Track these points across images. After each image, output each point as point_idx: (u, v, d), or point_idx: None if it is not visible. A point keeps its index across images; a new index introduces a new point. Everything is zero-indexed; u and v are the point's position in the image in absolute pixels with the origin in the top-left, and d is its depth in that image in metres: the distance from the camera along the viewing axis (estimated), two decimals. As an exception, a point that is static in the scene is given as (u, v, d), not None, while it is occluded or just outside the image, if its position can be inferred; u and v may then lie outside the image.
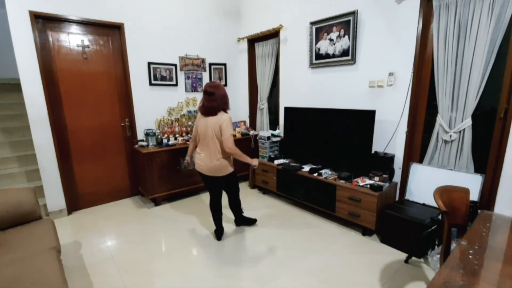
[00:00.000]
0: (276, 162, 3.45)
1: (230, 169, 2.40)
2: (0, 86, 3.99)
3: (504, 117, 2.12)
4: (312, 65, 3.33)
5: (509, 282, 1.04)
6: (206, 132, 2.29)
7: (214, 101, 2.24)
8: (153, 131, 3.39)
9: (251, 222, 2.84)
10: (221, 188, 2.55)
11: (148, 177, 3.20)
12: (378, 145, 2.79)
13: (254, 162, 2.42)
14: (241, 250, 2.40)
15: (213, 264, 2.21)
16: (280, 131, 3.85)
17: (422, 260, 2.20)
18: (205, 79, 4.09)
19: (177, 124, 3.76)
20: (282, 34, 3.65)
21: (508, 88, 2.09)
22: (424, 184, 2.50)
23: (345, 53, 2.95)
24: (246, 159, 2.35)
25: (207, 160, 2.34)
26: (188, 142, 3.52)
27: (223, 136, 2.21)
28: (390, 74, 2.63)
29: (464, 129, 2.29)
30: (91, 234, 2.73)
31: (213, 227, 2.69)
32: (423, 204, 2.47)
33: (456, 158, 2.38)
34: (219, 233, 2.58)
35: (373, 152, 2.71)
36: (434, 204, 2.30)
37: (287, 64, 3.68)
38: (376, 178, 2.61)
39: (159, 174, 3.27)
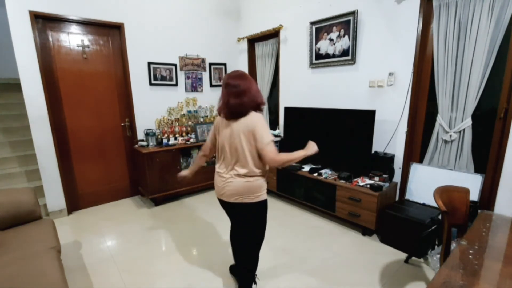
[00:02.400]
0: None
1: (259, 197, 1.66)
2: (0, 86, 3.99)
3: (504, 117, 2.12)
4: (312, 65, 3.33)
5: (509, 282, 1.04)
6: (230, 141, 1.59)
7: (242, 97, 1.55)
8: (153, 131, 3.39)
9: None
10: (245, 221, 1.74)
11: (148, 177, 3.20)
12: (378, 145, 2.79)
13: (310, 149, 1.69)
14: (241, 250, 2.40)
15: (213, 264, 2.21)
16: (280, 131, 3.85)
17: (422, 260, 2.20)
18: (205, 79, 4.09)
19: (177, 124, 3.76)
20: (282, 34, 3.65)
21: (508, 88, 2.09)
22: (424, 184, 2.50)
23: (345, 53, 2.95)
24: (300, 153, 1.61)
25: (230, 179, 1.62)
26: (188, 143, 3.53)
27: (260, 144, 1.51)
28: (390, 74, 2.63)
29: (464, 129, 2.29)
30: (91, 234, 2.73)
31: (212, 227, 2.69)
32: (423, 204, 2.47)
33: (456, 158, 2.38)
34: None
35: (373, 152, 2.71)
36: (434, 204, 2.29)
37: (287, 64, 3.68)
38: (376, 178, 2.61)
39: (159, 174, 3.27)
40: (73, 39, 3.03)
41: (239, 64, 4.44)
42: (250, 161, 1.58)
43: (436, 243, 2.20)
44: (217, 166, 1.74)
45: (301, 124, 3.32)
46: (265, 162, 1.58)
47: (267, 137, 1.51)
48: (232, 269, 2.09)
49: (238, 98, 1.55)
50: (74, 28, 3.02)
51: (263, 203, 1.70)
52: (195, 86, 3.99)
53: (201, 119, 3.94)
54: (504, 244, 1.33)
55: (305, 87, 3.48)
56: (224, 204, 1.73)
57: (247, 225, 1.74)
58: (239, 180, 1.60)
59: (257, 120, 1.54)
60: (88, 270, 2.16)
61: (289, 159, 1.56)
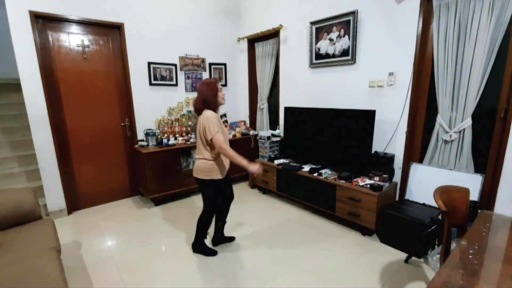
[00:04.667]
0: (276, 162, 3.45)
1: (208, 176, 2.10)
2: (0, 86, 3.99)
3: (504, 117, 2.12)
4: (312, 65, 3.33)
5: (509, 282, 1.04)
6: (198, 133, 2.14)
7: (196, 99, 2.14)
8: (153, 131, 3.39)
9: (208, 251, 2.35)
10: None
11: (148, 177, 3.20)
12: (378, 145, 2.79)
13: (253, 167, 2.03)
14: (241, 250, 2.40)
15: (213, 264, 2.21)
16: (280, 131, 3.85)
17: (422, 260, 2.20)
18: (205, 79, 4.09)
19: (177, 124, 3.76)
20: (282, 34, 3.65)
21: (508, 88, 2.09)
22: (424, 184, 2.50)
23: (345, 53, 2.95)
24: (241, 161, 2.00)
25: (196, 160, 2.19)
26: (188, 143, 3.53)
27: (210, 135, 1.99)
28: (390, 74, 2.63)
29: (464, 129, 2.29)
30: (91, 234, 2.73)
31: (211, 227, 2.68)
32: (423, 204, 2.47)
33: (456, 158, 2.38)
34: (215, 240, 2.47)
35: (373, 152, 2.71)
36: (434, 204, 2.30)
37: (287, 64, 3.68)
38: (376, 178, 2.61)
39: (159, 174, 3.27)
40: (73, 39, 3.03)
41: (239, 64, 4.44)
42: (202, 148, 2.10)
43: (436, 243, 2.20)
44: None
45: (301, 124, 3.32)
46: (216, 148, 2.04)
47: (213, 129, 1.98)
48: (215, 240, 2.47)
49: (196, 98, 2.14)
50: (74, 28, 3.02)
51: (213, 182, 2.13)
52: (195, 86, 3.99)
53: (201, 119, 3.94)
54: (504, 244, 1.33)
55: (305, 87, 3.48)
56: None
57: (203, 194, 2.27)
58: (198, 162, 2.15)
59: (207, 116, 2.02)
60: (88, 270, 2.16)
61: (232, 154, 2.01)
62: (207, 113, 2.04)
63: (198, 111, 2.13)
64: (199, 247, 2.36)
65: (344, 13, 2.87)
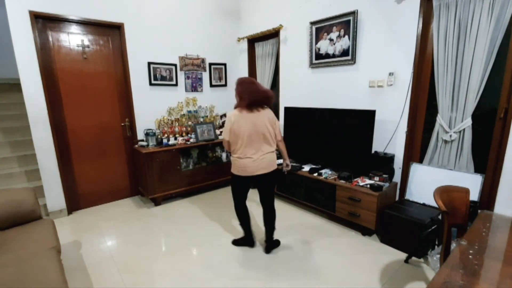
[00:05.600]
0: (276, 162, 3.44)
1: (276, 166, 2.30)
2: (0, 86, 3.99)
3: (504, 117, 2.12)
4: (312, 65, 3.33)
5: (509, 282, 1.04)
6: (256, 129, 2.10)
7: (261, 95, 2.16)
8: (153, 131, 3.39)
9: (277, 244, 2.45)
10: (268, 186, 2.30)
11: (148, 177, 3.20)
12: (378, 145, 2.79)
13: (289, 163, 2.46)
14: (241, 250, 2.40)
15: (212, 264, 2.21)
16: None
17: (422, 260, 2.19)
18: (205, 79, 4.09)
19: (177, 124, 3.76)
20: (282, 34, 3.65)
21: (508, 88, 2.09)
22: (424, 184, 2.50)
23: (345, 53, 2.95)
24: (287, 156, 2.43)
25: (260, 159, 2.14)
26: (188, 143, 3.53)
27: (278, 130, 2.24)
28: (390, 74, 2.63)
29: (464, 129, 2.29)
30: (91, 234, 2.73)
31: (212, 227, 2.68)
32: (423, 204, 2.47)
33: (456, 158, 2.38)
34: (252, 239, 2.44)
35: (373, 152, 2.71)
36: (434, 204, 2.30)
37: (287, 64, 3.68)
38: (376, 178, 2.61)
39: (159, 174, 3.27)
40: (73, 39, 3.03)
41: (239, 64, 4.44)
42: (272, 141, 2.19)
43: (436, 243, 2.20)
44: (239, 152, 2.14)
45: (301, 124, 3.32)
46: (277, 141, 2.25)
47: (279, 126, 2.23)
48: (236, 242, 2.48)
49: (261, 95, 2.13)
50: (74, 28, 3.02)
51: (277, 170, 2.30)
52: (195, 86, 3.99)
53: (201, 119, 3.94)
54: (504, 244, 1.33)
55: (305, 87, 3.48)
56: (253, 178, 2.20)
57: (273, 186, 2.37)
58: (270, 155, 2.19)
59: (273, 114, 2.21)
60: (88, 270, 2.16)
61: (285, 148, 2.37)
62: (271, 111, 2.22)
63: (260, 106, 2.15)
64: (275, 242, 2.42)
65: (344, 13, 2.87)
